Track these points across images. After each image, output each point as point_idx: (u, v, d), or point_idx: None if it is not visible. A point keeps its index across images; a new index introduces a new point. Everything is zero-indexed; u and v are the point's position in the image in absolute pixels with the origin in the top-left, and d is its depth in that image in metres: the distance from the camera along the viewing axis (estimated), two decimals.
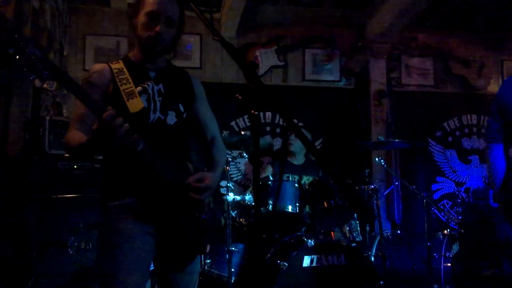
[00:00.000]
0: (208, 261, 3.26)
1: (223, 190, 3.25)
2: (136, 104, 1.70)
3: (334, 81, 5.07)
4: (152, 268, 1.87)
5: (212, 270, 3.21)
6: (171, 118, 1.79)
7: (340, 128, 4.95)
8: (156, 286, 2.63)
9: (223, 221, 3.18)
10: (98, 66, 1.80)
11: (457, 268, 3.33)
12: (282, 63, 4.94)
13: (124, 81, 1.72)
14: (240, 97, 1.25)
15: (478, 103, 5.27)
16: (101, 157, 1.81)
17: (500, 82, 5.37)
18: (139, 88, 1.73)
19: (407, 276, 3.40)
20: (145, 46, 1.76)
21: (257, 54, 4.81)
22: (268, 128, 4.87)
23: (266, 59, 4.86)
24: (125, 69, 1.75)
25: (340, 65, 5.08)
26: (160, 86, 1.79)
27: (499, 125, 2.66)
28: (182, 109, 1.83)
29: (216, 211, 2.26)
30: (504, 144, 2.71)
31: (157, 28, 1.70)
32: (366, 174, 3.93)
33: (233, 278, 3.03)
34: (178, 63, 1.97)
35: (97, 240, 1.80)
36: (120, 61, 1.81)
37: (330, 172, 1.16)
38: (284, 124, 1.17)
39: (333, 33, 5.04)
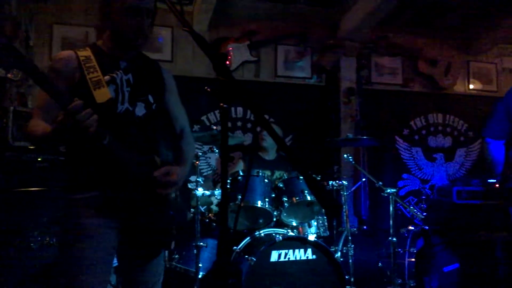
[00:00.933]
0: (175, 256, 3.23)
1: (192, 185, 3.22)
2: (103, 94, 1.65)
3: (305, 78, 5.11)
4: (115, 264, 1.84)
5: (179, 266, 3.19)
6: (140, 110, 1.75)
7: (311, 125, 5.00)
8: (119, 282, 2.59)
9: (190, 216, 3.16)
10: (64, 53, 1.73)
11: (420, 263, 3.42)
12: (254, 59, 4.94)
13: (91, 70, 1.67)
14: (209, 89, 1.24)
15: (444, 102, 5.42)
16: (65, 149, 1.76)
17: (466, 83, 5.54)
18: (107, 78, 1.68)
19: (372, 271, 3.47)
20: (124, 39, 1.71)
21: (229, 48, 4.79)
22: (239, 123, 4.87)
23: (238, 54, 4.85)
24: (92, 57, 1.70)
25: (311, 62, 5.12)
26: (129, 76, 1.74)
27: (503, 125, 2.89)
28: (151, 100, 1.79)
29: (184, 206, 2.25)
30: (506, 144, 2.91)
31: (141, 23, 1.67)
32: (335, 170, 4.00)
33: (200, 274, 3.02)
34: (148, 55, 1.94)
35: (59, 235, 1.75)
36: (87, 48, 1.75)
37: (299, 168, 1.16)
38: (257, 119, 1.16)
39: (305, 30, 5.07)
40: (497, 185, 4.44)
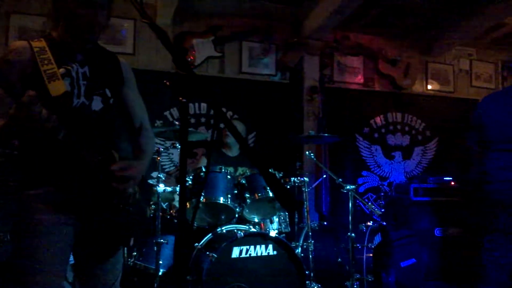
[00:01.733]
0: (135, 253, 3.18)
1: (153, 181, 3.17)
2: (58, 87, 1.59)
3: (269, 75, 5.13)
4: (72, 261, 1.79)
5: (138, 263, 3.14)
6: (97, 104, 1.70)
7: (274, 122, 5.02)
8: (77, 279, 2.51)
9: (150, 212, 3.11)
10: (17, 44, 1.65)
11: (378, 258, 3.51)
12: (219, 54, 4.91)
13: (46, 62, 1.60)
14: (168, 83, 1.21)
15: (403, 101, 5.58)
16: (18, 143, 1.69)
17: (425, 83, 5.73)
18: (61, 70, 1.61)
19: (332, 266, 3.53)
20: (78, 30, 1.64)
21: (194, 43, 4.74)
22: (203, 120, 4.83)
23: (202, 49, 4.80)
24: (47, 49, 1.63)
25: (276, 60, 5.15)
26: (86, 68, 1.69)
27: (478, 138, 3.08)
28: (108, 94, 1.74)
29: (143, 202, 2.21)
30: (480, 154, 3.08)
31: (94, 15, 1.61)
32: (297, 167, 4.03)
33: (161, 271, 2.99)
34: (109, 48, 1.88)
35: (12, 232, 1.69)
36: (42, 39, 1.67)
37: (257, 164, 1.16)
38: (216, 114, 1.16)
39: (270, 27, 5.09)
40: (452, 183, 4.63)
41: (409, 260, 4.09)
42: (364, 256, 3.42)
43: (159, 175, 3.06)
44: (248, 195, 3.24)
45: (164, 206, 3.41)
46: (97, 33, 1.68)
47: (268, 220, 3.49)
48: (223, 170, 3.22)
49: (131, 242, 1.86)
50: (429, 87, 5.73)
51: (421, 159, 5.60)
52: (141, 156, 1.85)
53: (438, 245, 4.39)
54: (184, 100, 1.16)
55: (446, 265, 4.33)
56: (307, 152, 3.69)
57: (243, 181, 3.32)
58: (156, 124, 4.46)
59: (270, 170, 3.40)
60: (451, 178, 4.68)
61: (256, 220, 3.38)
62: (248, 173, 3.39)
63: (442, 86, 5.79)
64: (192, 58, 4.68)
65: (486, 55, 6.05)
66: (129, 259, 3.15)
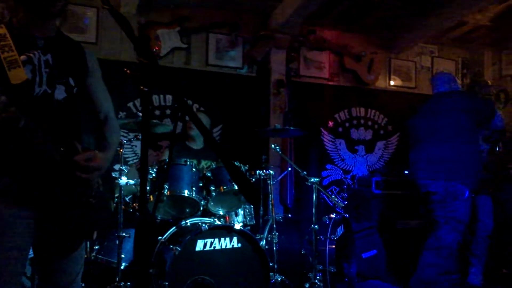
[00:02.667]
0: (96, 247, 3.12)
1: (116, 174, 3.11)
2: (18, 75, 1.53)
3: (236, 68, 5.11)
4: (31, 255, 1.74)
5: (100, 257, 3.08)
6: (60, 93, 1.65)
7: (240, 115, 5.02)
8: (37, 274, 2.45)
9: (113, 205, 3.06)
10: None
11: (340, 249, 3.59)
12: (185, 46, 4.85)
13: (6, 49, 1.53)
14: (128, 71, 1.19)
15: (366, 97, 5.69)
16: None
17: (387, 79, 5.86)
18: (23, 57, 1.56)
19: (295, 258, 3.58)
20: (38, 6, 1.58)
21: (159, 34, 4.66)
22: (168, 111, 4.76)
23: (168, 40, 4.73)
24: (8, 35, 1.56)
25: (243, 53, 5.13)
26: (48, 56, 1.64)
27: None
28: (72, 83, 1.69)
29: (106, 195, 2.16)
30: None
31: None
32: (263, 160, 4.05)
33: (123, 265, 2.95)
34: (71, 36, 1.83)
35: None
36: (2, 25, 1.61)
37: (221, 156, 1.16)
38: (179, 106, 1.14)
39: (237, 19, 5.06)
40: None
41: (370, 251, 4.21)
42: (327, 248, 3.49)
43: (121, 167, 3.01)
44: (214, 188, 3.23)
45: (127, 199, 3.36)
46: (60, 8, 1.62)
47: (233, 213, 3.49)
48: (188, 162, 3.20)
49: (94, 236, 1.83)
50: (392, 83, 5.87)
51: (383, 153, 5.74)
52: (106, 147, 1.82)
53: (399, 236, 4.53)
54: (146, 89, 1.14)
55: (407, 256, 4.48)
56: (272, 146, 3.72)
57: (209, 174, 3.31)
58: (119, 116, 4.37)
59: (235, 163, 3.41)
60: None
61: (221, 213, 3.38)
62: (214, 166, 3.38)
63: (404, 82, 5.94)
64: (157, 48, 4.60)
65: (447, 52, 6.24)
66: (90, 253, 3.09)
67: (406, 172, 4.83)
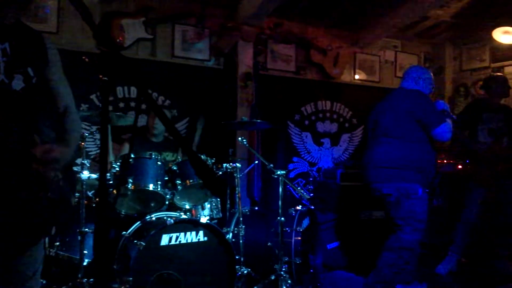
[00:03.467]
0: (57, 243, 3.04)
1: (77, 168, 3.02)
2: None
3: (203, 60, 5.06)
4: None
5: (61, 253, 3.00)
6: (18, 83, 1.60)
7: (207, 108, 4.98)
8: None
9: (74, 200, 2.98)
10: None
11: (305, 241, 3.64)
12: (150, 36, 4.75)
13: None
14: (87, 59, 1.16)
15: (332, 90, 5.76)
16: None
17: (352, 73, 5.95)
18: None
19: (262, 250, 3.60)
20: None
21: (123, 24, 4.54)
22: (132, 104, 4.67)
23: (132, 30, 4.62)
24: None
25: (210, 45, 5.08)
26: (6, 45, 1.58)
27: None
28: (31, 73, 1.64)
29: (67, 189, 2.09)
30: None
31: None
32: (230, 153, 4.03)
33: (85, 261, 2.88)
34: (31, 26, 1.76)
35: None
36: None
37: (184, 149, 1.15)
38: (141, 97, 1.12)
39: (204, 11, 4.99)
40: None
41: (335, 242, 4.29)
42: (293, 240, 3.52)
43: (83, 161, 2.93)
44: (180, 182, 3.20)
45: (89, 194, 3.28)
46: None
47: (199, 207, 3.48)
48: (153, 156, 3.15)
49: (53, 231, 1.78)
50: (357, 76, 5.96)
51: (348, 146, 5.84)
52: (66, 140, 1.78)
53: (363, 227, 4.63)
54: (105, 78, 1.10)
55: (370, 246, 4.59)
56: (239, 138, 3.71)
57: (174, 168, 3.27)
58: (81, 108, 4.24)
59: (201, 156, 3.39)
60: None
61: (187, 206, 3.35)
62: (180, 159, 3.35)
63: (369, 76, 6.05)
64: (121, 39, 4.49)
65: (410, 47, 6.39)
66: (51, 249, 3.00)
67: None
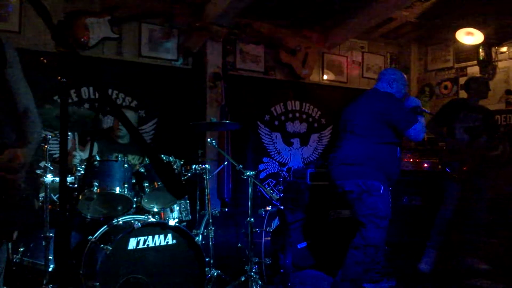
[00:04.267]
0: (21, 249, 2.93)
1: (41, 171, 2.92)
2: None
3: (171, 60, 5.00)
4: None
5: (26, 259, 2.90)
6: None
7: (176, 108, 4.93)
8: None
9: (38, 204, 2.88)
10: None
11: (275, 241, 3.64)
12: (116, 36, 4.65)
13: None
14: (45, 60, 1.12)
15: (301, 90, 5.80)
16: None
17: (321, 73, 6.01)
18: None
19: (232, 251, 3.59)
20: None
21: (87, 23, 4.43)
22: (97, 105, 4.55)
23: (98, 29, 4.51)
24: None
25: (178, 44, 5.02)
26: None
27: None
28: None
29: (29, 193, 2.02)
30: None
31: None
32: (199, 154, 4.00)
33: (50, 267, 2.79)
34: None
35: None
36: None
37: (145, 150, 1.12)
38: (101, 98, 1.09)
39: (172, 10, 4.93)
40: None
41: (305, 242, 4.32)
42: (263, 240, 3.52)
43: (46, 164, 2.83)
44: (147, 184, 3.16)
45: (54, 198, 3.18)
46: None
47: (168, 209, 3.43)
48: (119, 158, 3.09)
49: (15, 236, 1.73)
50: (325, 77, 6.03)
51: (317, 146, 5.90)
52: (26, 142, 1.73)
53: (332, 226, 4.68)
54: (63, 80, 1.07)
55: (339, 245, 4.64)
56: (209, 140, 3.67)
57: (142, 170, 3.22)
58: (44, 109, 4.11)
59: (170, 158, 3.34)
60: None
61: (155, 209, 3.30)
62: (147, 161, 3.29)
63: (337, 77, 6.13)
64: (86, 38, 4.38)
65: (376, 48, 6.51)
66: (14, 255, 2.90)
67: None
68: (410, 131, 3.28)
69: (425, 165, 5.14)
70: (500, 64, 5.78)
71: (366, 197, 3.24)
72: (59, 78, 1.09)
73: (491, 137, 4.25)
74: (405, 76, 3.64)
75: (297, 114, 5.77)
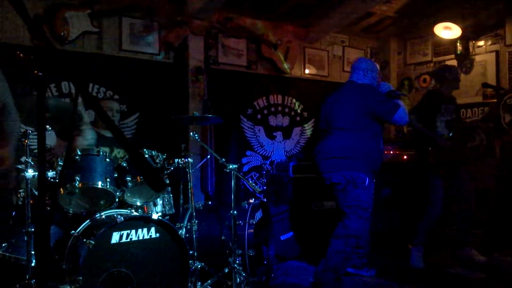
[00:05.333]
0: (4, 244, 2.91)
1: (22, 166, 2.90)
2: None
3: (153, 54, 4.97)
4: None
5: (8, 254, 2.88)
6: None
7: (158, 103, 4.91)
8: None
9: (20, 199, 2.86)
10: None
11: (258, 233, 3.69)
12: (96, 30, 4.61)
13: None
14: (21, 54, 1.12)
15: (283, 84, 5.84)
16: None
17: (302, 67, 6.05)
18: None
19: (216, 244, 3.62)
20: None
21: (67, 16, 4.38)
22: (80, 100, 4.51)
23: (77, 23, 4.46)
24: None
25: (159, 38, 5.00)
26: None
27: None
28: None
29: (7, 188, 2.02)
30: None
31: None
32: (182, 148, 4.01)
33: (33, 262, 2.78)
34: None
35: None
36: None
37: (123, 144, 1.14)
38: (78, 91, 1.09)
39: (152, 3, 4.90)
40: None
41: (288, 234, 4.38)
42: (246, 232, 3.56)
43: (27, 160, 2.81)
44: (130, 178, 3.15)
45: (36, 192, 3.16)
46: None
47: (151, 203, 3.43)
48: (101, 153, 3.08)
49: None
50: (307, 71, 6.07)
51: (300, 139, 5.95)
52: (7, 138, 1.73)
53: (314, 217, 4.75)
54: (40, 73, 1.07)
55: (322, 236, 4.71)
56: (191, 133, 3.68)
57: (124, 164, 3.21)
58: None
59: (152, 152, 3.34)
60: None
61: (138, 203, 3.30)
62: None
63: (318, 71, 6.18)
64: (65, 32, 4.33)
65: (356, 42, 6.58)
66: None
67: None
68: (395, 117, 3.35)
69: (405, 157, 5.23)
70: (477, 58, 5.90)
71: (352, 189, 3.32)
72: (35, 72, 1.10)
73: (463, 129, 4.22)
74: (376, 64, 3.72)
75: (280, 108, 5.81)
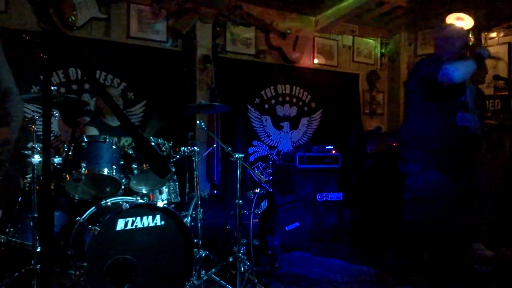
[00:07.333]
0: (10, 229, 2.93)
1: (28, 152, 2.91)
2: None
3: (160, 42, 4.94)
4: None
5: (14, 239, 2.90)
6: None
7: (165, 91, 4.89)
8: None
9: (26, 184, 2.87)
10: None
11: (263, 223, 3.69)
12: (104, 16, 4.59)
13: None
14: (27, 37, 1.11)
15: (291, 74, 5.79)
16: None
17: (311, 57, 5.99)
18: None
19: (221, 233, 3.63)
20: None
21: (75, 3, 4.36)
22: (86, 86, 4.51)
23: (85, 9, 4.44)
24: None
25: (167, 26, 4.96)
26: None
27: None
28: None
29: (14, 173, 2.02)
30: None
31: None
32: (189, 137, 4.01)
33: (38, 247, 2.79)
34: None
35: None
36: None
37: (129, 130, 1.12)
38: (84, 77, 1.08)
39: None
40: (333, 151, 4.99)
41: (293, 224, 4.37)
42: (251, 222, 3.56)
43: (34, 145, 2.81)
44: (136, 166, 3.15)
45: (42, 178, 3.17)
46: None
47: (157, 191, 3.43)
48: (107, 140, 3.07)
49: None
50: (316, 61, 6.01)
51: (307, 129, 5.92)
52: (8, 121, 1.73)
53: (320, 208, 4.74)
54: (46, 57, 1.06)
55: (326, 226, 4.71)
56: (198, 122, 3.67)
57: (130, 151, 3.20)
58: (32, 90, 4.06)
59: (159, 140, 3.34)
60: (332, 147, 5.05)
61: (144, 191, 3.30)
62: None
63: (327, 60, 6.11)
64: (73, 18, 4.31)
65: (367, 32, 6.49)
66: (2, 236, 2.89)
67: (328, 147, 5.03)
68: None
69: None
70: (490, 49, 5.79)
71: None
72: (41, 55, 1.09)
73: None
74: None
75: (287, 98, 5.77)
